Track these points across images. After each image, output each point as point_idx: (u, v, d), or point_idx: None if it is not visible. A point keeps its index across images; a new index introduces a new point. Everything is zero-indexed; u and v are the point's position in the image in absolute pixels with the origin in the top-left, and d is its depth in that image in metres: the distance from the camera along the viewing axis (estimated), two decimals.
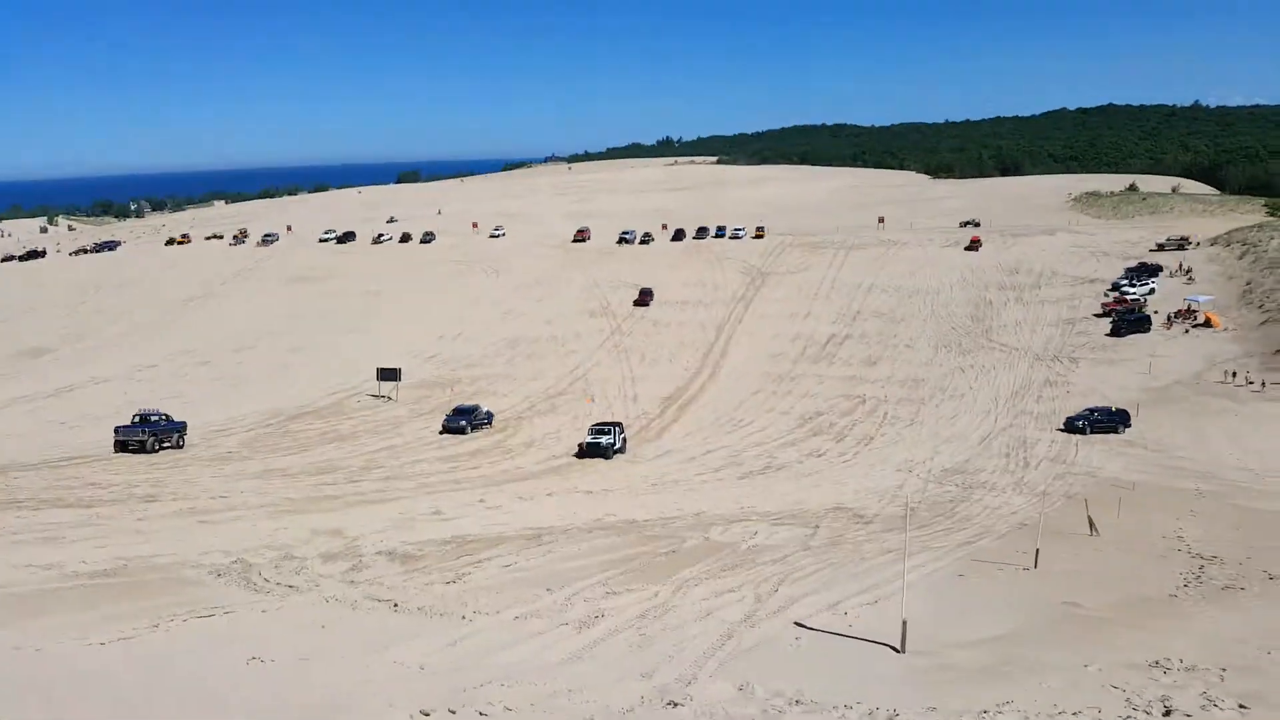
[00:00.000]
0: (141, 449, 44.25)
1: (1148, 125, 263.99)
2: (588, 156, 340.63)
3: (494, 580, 25.46)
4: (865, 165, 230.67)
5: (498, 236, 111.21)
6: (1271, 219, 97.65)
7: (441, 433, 51.56)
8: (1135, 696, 16.58)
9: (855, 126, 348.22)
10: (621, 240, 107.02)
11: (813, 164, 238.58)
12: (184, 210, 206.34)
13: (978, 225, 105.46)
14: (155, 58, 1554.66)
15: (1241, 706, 15.99)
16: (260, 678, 16.39)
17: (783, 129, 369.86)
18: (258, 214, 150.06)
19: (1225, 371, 58.70)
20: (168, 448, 45.50)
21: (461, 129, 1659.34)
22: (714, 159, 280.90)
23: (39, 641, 17.86)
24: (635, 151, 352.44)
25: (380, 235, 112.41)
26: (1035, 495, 37.67)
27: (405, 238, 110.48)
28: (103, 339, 77.82)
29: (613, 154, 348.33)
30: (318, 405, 57.87)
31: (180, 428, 47.12)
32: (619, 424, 49.95)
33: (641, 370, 67.30)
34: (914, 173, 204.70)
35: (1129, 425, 50.19)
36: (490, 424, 53.68)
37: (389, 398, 59.25)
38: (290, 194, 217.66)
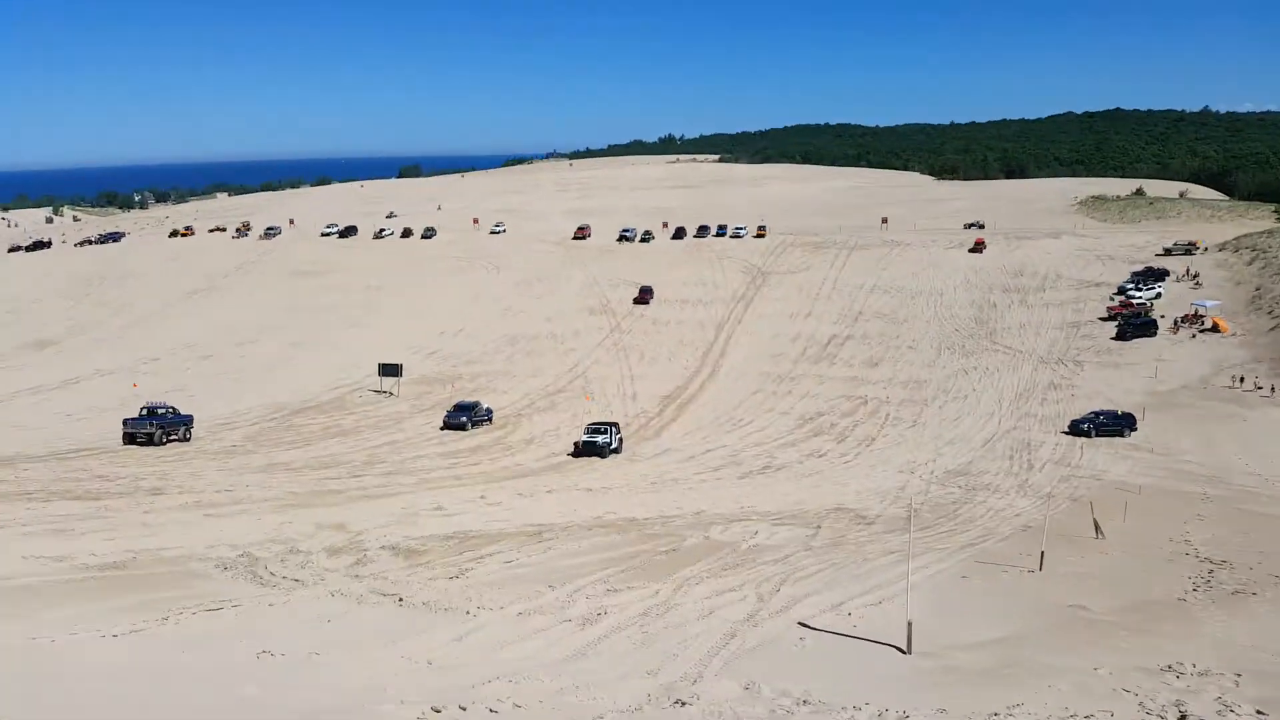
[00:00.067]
0: (149, 441, 44.84)
1: (1155, 130, 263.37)
2: (589, 153, 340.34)
3: (496, 576, 25.45)
4: (869, 166, 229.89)
5: (498, 233, 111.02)
6: None
7: (442, 429, 51.66)
8: (1148, 700, 16.31)
9: (859, 126, 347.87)
10: (622, 238, 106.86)
11: (816, 164, 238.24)
12: (187, 202, 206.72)
13: (982, 227, 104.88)
14: (161, 49, 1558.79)
15: (1260, 713, 15.67)
16: (271, 672, 16.40)
17: (786, 128, 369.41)
18: (260, 206, 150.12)
19: (1233, 376, 58.49)
20: (174, 440, 45.93)
21: (463, 124, 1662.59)
22: (716, 157, 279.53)
23: (53, 633, 17.89)
24: (637, 149, 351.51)
25: (381, 230, 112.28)
26: (1040, 498, 37.58)
27: (406, 233, 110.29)
28: (106, 331, 77.85)
29: (614, 151, 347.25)
30: (320, 400, 57.94)
31: (187, 421, 47.48)
32: (615, 424, 49.88)
33: (641, 369, 67.25)
34: (918, 174, 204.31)
35: (1134, 429, 50.09)
36: (490, 420, 53.73)
37: (390, 393, 59.28)
38: (293, 187, 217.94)
